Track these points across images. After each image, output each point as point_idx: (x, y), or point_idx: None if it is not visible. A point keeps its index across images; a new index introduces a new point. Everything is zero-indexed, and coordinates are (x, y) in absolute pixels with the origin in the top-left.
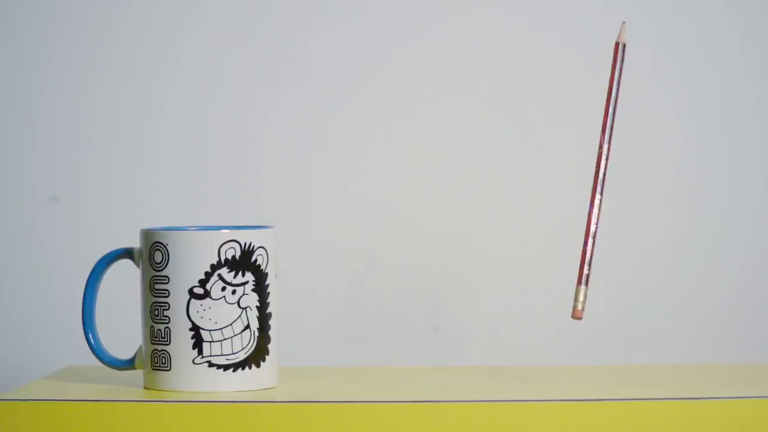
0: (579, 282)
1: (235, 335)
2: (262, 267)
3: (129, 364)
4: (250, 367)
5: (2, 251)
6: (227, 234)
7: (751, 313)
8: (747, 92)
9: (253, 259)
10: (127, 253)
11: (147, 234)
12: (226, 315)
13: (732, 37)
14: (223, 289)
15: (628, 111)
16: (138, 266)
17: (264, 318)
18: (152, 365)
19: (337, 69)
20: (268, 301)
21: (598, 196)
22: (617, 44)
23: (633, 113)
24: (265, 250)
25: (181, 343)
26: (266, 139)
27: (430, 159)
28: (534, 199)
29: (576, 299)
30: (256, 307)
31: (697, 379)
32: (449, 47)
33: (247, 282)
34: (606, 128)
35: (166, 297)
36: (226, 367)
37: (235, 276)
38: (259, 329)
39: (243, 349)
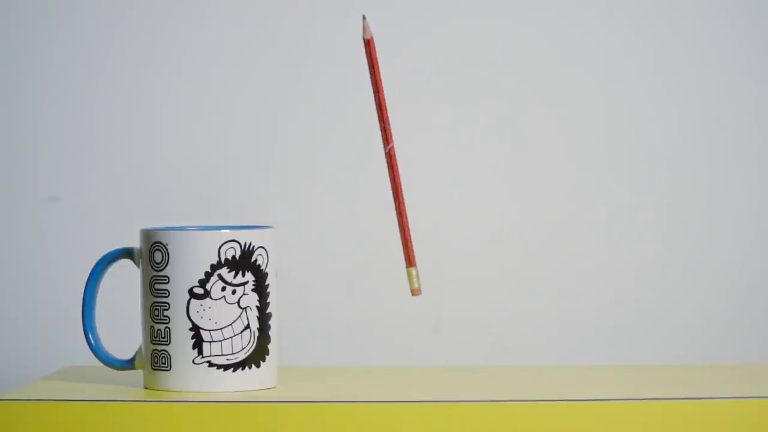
0: (408, 264)
1: (235, 335)
2: (262, 267)
3: (129, 364)
4: (250, 367)
5: (2, 251)
6: (227, 234)
7: (751, 313)
8: (748, 91)
9: (253, 259)
10: (127, 253)
11: (147, 234)
12: (226, 315)
13: (731, 37)
14: (223, 289)
15: (629, 111)
16: (138, 266)
17: (264, 318)
18: (152, 365)
19: (338, 69)
20: (268, 301)
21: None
22: (365, 41)
23: (634, 113)
24: (265, 250)
25: (181, 343)
26: (266, 139)
27: (430, 158)
28: (534, 198)
29: (410, 280)
30: (256, 307)
31: (697, 379)
32: (450, 48)
33: (247, 282)
34: (386, 125)
35: (166, 297)
36: (226, 367)
37: (235, 276)
38: (259, 329)
39: (243, 349)
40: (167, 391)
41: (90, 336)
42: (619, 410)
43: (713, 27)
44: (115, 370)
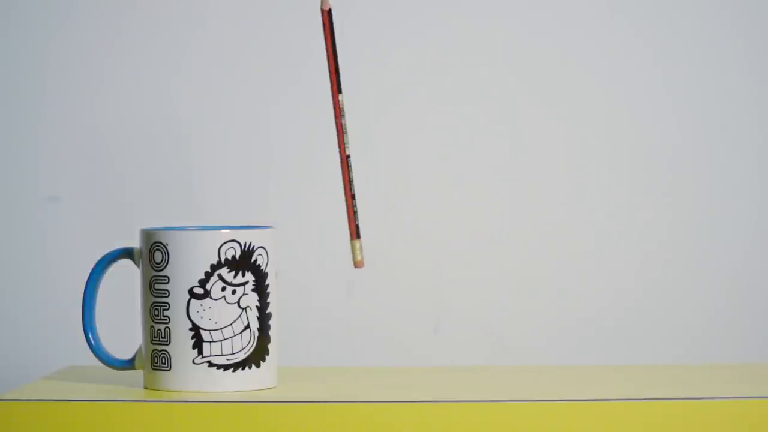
0: (352, 237)
1: (235, 335)
2: (262, 267)
3: (129, 364)
4: (250, 367)
5: (2, 251)
6: (227, 234)
7: (751, 313)
8: (748, 91)
9: (253, 259)
10: (127, 253)
11: (147, 234)
12: (226, 315)
13: (731, 37)
14: (223, 289)
15: (629, 111)
16: (138, 266)
17: (264, 318)
18: (152, 365)
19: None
20: (268, 301)
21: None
22: (323, 11)
23: (634, 113)
24: (265, 250)
25: (181, 343)
26: (267, 139)
27: (430, 159)
28: (534, 198)
29: (354, 253)
30: (256, 307)
31: (697, 379)
32: (450, 48)
33: (247, 282)
34: (337, 103)
35: (166, 297)
36: (226, 367)
37: (235, 276)
38: (259, 329)
39: (243, 349)
40: (167, 391)
41: (90, 336)
42: (619, 410)
43: (713, 27)
44: (115, 370)
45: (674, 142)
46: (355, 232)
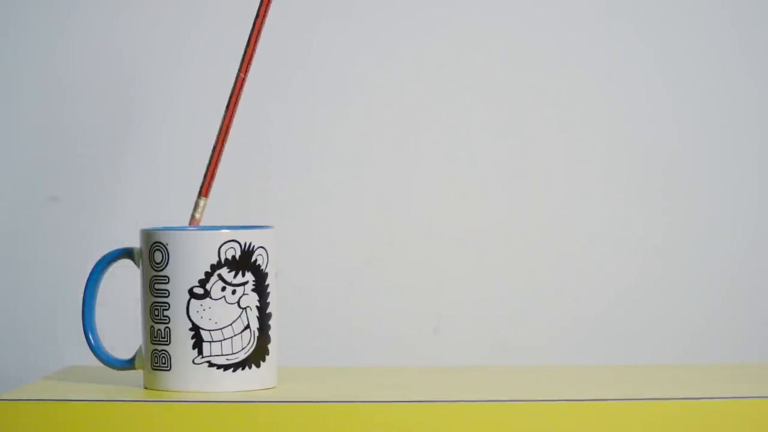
0: (200, 195)
1: (235, 335)
2: (262, 267)
3: (129, 364)
4: (250, 367)
5: (2, 251)
6: (227, 234)
7: (751, 313)
8: (748, 92)
9: (253, 259)
10: (127, 253)
11: (147, 234)
12: (226, 315)
13: (732, 37)
14: (223, 289)
15: (629, 112)
16: (138, 266)
17: (264, 318)
18: (152, 365)
19: (338, 68)
20: (268, 301)
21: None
22: None
23: (634, 113)
24: (265, 250)
25: (181, 343)
26: (266, 138)
27: (430, 159)
28: (534, 198)
29: (196, 209)
30: (256, 307)
31: (697, 379)
32: (451, 47)
33: (247, 282)
34: (251, 55)
35: (166, 297)
36: (226, 367)
37: (235, 276)
38: (259, 329)
39: (243, 349)
40: (167, 391)
41: (90, 336)
42: (619, 410)
43: (713, 28)
44: (115, 370)
45: (675, 143)
46: (206, 191)
